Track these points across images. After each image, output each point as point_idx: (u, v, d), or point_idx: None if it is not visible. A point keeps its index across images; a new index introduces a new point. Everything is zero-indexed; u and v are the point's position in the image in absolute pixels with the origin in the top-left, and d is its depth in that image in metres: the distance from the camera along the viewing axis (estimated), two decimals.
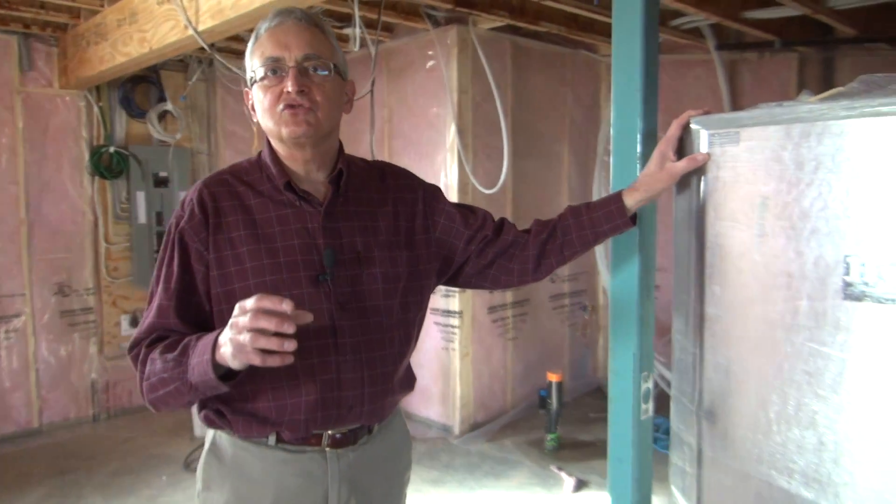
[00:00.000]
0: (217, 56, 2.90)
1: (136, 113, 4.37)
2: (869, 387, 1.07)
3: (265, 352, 1.05)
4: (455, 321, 4.00)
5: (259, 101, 1.28)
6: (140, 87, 4.36)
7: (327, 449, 1.30)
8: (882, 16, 4.43)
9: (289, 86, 1.22)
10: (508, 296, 4.30)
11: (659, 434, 3.98)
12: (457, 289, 3.82)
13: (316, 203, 1.30)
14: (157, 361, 1.20)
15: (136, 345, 1.29)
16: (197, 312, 1.27)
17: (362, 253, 1.30)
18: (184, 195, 1.35)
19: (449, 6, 3.57)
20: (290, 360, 1.05)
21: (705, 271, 1.27)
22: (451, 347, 4.03)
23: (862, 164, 1.07)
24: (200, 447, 4.05)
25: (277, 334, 1.04)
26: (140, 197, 4.44)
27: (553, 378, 3.89)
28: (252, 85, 1.29)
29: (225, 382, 1.15)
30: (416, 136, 4.19)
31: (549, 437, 3.87)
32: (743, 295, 1.21)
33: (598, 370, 5.00)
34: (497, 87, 3.82)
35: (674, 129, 1.34)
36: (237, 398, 1.26)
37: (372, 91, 3.40)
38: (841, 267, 1.09)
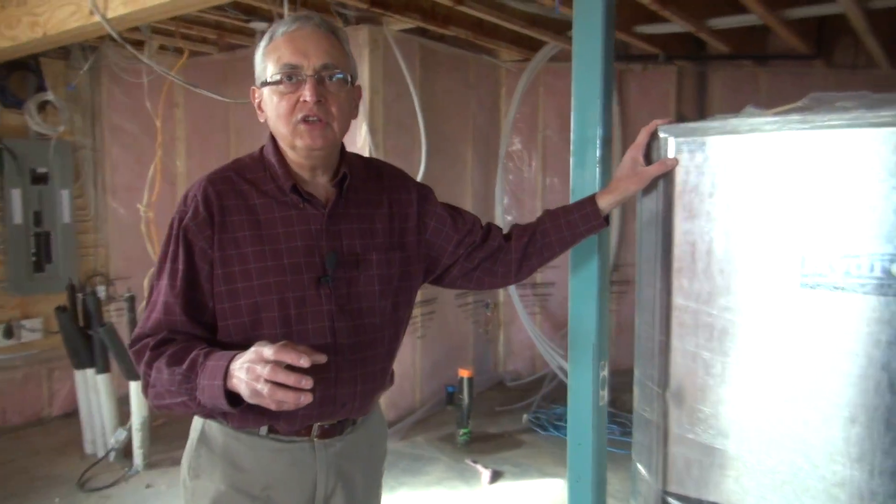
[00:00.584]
0: (129, 47, 2.72)
1: (12, 102, 3.98)
2: (825, 363, 1.24)
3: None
4: None
5: (272, 105, 1.29)
6: (16, 74, 3.97)
7: (315, 439, 1.35)
8: (749, 36, 4.95)
9: (307, 95, 1.24)
10: (418, 294, 4.35)
11: (562, 423, 4.21)
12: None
13: (319, 205, 1.32)
14: (164, 371, 1.21)
15: (139, 340, 1.29)
16: (201, 309, 1.29)
17: (360, 255, 1.34)
18: (186, 190, 1.34)
19: (364, 6, 3.56)
20: (304, 405, 1.09)
21: (673, 266, 1.40)
22: None
23: (814, 170, 1.24)
24: (95, 465, 3.77)
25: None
26: (15, 195, 4.04)
27: (464, 374, 4.00)
28: (263, 86, 1.30)
29: (233, 405, 1.17)
30: None
31: (462, 431, 3.97)
32: (709, 287, 1.35)
33: (498, 365, 5.18)
34: (405, 88, 3.87)
35: (643, 136, 1.46)
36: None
37: None
38: (797, 260, 1.25)
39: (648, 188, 1.45)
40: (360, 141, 4.00)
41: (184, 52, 3.63)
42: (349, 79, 1.29)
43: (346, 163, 1.36)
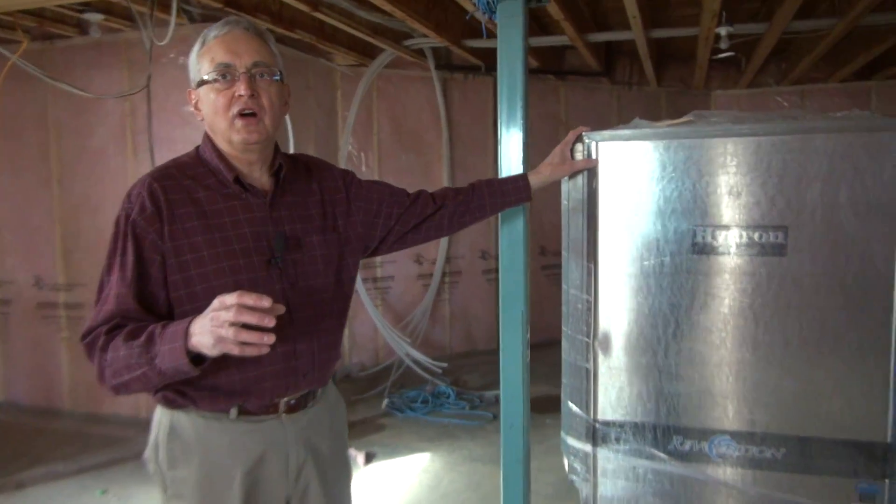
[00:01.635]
0: None
1: None
2: (711, 307, 1.70)
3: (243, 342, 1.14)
4: None
5: (209, 102, 1.40)
6: None
7: (283, 415, 1.46)
8: (551, 54, 5.69)
9: (241, 90, 1.36)
10: None
11: (417, 405, 4.54)
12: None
13: (260, 195, 1.45)
14: (120, 348, 1.26)
15: (90, 332, 1.32)
16: (153, 299, 1.34)
17: (301, 238, 1.48)
18: (130, 189, 1.39)
19: (219, 5, 3.56)
20: (266, 350, 1.15)
21: (598, 241, 1.79)
22: None
23: (701, 167, 1.70)
24: None
25: (257, 328, 1.15)
26: None
27: None
28: (199, 85, 1.41)
29: (196, 365, 1.23)
30: (166, 133, 4.00)
31: None
32: (628, 256, 1.76)
33: (345, 358, 5.35)
34: None
35: (571, 136, 1.83)
36: (200, 374, 1.31)
37: (148, 86, 3.22)
38: (691, 233, 1.70)
39: (570, 179, 1.83)
40: None
41: None
42: (279, 75, 1.43)
43: (282, 156, 1.51)
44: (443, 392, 4.68)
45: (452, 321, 5.72)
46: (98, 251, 4.31)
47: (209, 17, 3.89)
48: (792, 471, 1.68)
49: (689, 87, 6.33)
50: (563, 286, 1.89)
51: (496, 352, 6.14)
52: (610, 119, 6.20)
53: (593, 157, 1.79)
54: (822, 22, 4.19)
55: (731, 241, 1.68)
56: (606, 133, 1.76)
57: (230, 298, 1.14)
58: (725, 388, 1.73)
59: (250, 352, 1.15)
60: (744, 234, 1.67)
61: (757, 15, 4.63)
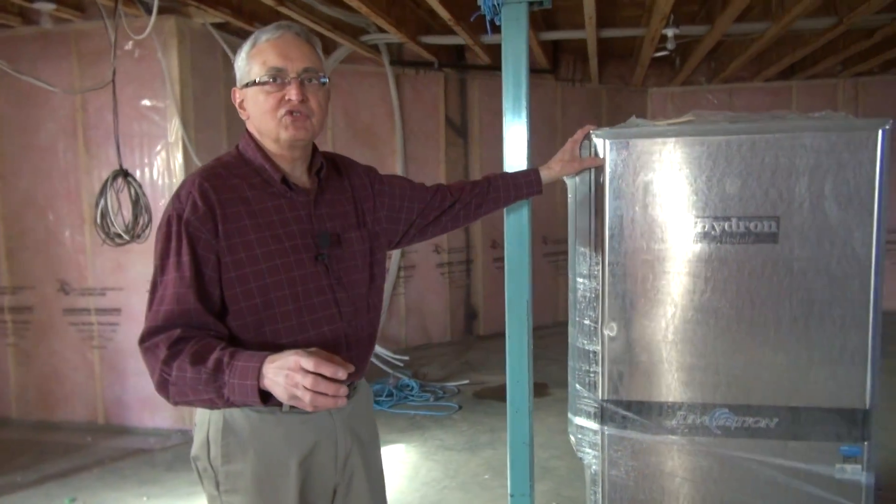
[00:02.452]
0: None
1: None
2: (709, 289, 1.85)
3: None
4: None
5: (258, 103, 1.43)
6: None
7: None
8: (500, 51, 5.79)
9: (293, 94, 1.40)
10: None
11: (382, 398, 4.59)
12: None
13: (303, 193, 1.50)
14: (187, 370, 1.29)
15: (151, 335, 1.33)
16: (209, 297, 1.37)
17: (342, 234, 1.54)
18: (178, 189, 1.41)
19: None
20: (343, 403, 1.21)
21: (606, 233, 1.90)
22: None
23: (702, 163, 1.84)
24: None
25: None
26: None
27: None
28: (247, 86, 1.44)
29: (264, 401, 1.27)
30: (125, 127, 3.85)
31: None
32: (634, 246, 1.88)
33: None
34: (211, 83, 3.85)
35: (579, 135, 1.94)
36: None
37: (114, 81, 3.11)
38: (692, 223, 1.85)
39: (577, 174, 1.94)
40: (171, 134, 3.86)
41: None
42: (325, 80, 1.48)
43: (318, 156, 1.55)
44: (406, 385, 4.74)
45: (408, 315, 5.78)
46: (47, 251, 4.15)
47: (165, 10, 3.78)
48: (784, 438, 1.85)
49: (628, 84, 6.61)
50: (570, 275, 2.00)
51: (451, 344, 6.29)
52: (555, 113, 6.40)
53: (599, 153, 1.90)
54: (757, 25, 4.50)
55: (728, 230, 1.84)
56: (613, 131, 1.88)
57: (306, 363, 1.17)
58: (724, 365, 1.88)
59: (321, 409, 1.21)
60: (740, 223, 1.83)
61: (695, 17, 4.91)
